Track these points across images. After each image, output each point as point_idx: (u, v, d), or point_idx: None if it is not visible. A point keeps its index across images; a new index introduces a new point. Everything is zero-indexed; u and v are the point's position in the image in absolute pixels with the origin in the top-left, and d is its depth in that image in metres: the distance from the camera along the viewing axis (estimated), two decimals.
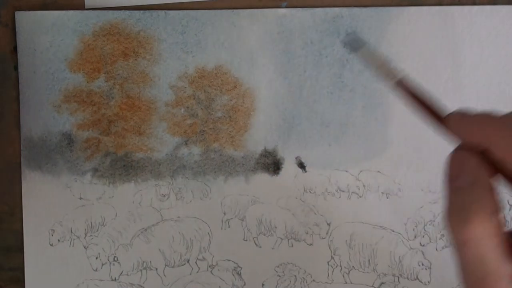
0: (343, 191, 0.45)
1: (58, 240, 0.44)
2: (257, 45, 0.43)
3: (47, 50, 0.43)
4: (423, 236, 0.44)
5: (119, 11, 0.43)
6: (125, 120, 0.44)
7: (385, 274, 0.44)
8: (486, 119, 0.22)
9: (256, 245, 0.45)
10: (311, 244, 0.45)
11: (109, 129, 0.44)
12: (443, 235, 0.45)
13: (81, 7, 0.43)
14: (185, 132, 0.44)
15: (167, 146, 0.44)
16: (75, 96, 0.43)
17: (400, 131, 0.44)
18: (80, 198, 0.44)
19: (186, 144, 0.44)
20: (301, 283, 0.45)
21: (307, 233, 0.44)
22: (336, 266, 0.44)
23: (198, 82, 0.44)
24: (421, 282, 0.44)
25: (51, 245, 0.44)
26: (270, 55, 0.43)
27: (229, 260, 0.45)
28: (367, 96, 0.44)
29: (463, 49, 0.44)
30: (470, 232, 0.20)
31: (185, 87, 0.44)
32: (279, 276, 0.45)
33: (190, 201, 0.44)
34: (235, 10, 0.43)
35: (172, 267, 0.45)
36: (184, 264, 0.45)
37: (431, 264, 0.44)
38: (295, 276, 0.45)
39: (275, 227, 0.45)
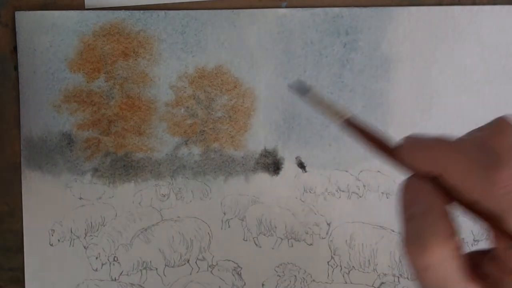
0: (343, 191, 0.45)
1: (58, 240, 0.44)
2: (257, 45, 0.43)
3: (47, 50, 0.43)
4: None
5: (119, 11, 0.43)
6: (125, 120, 0.44)
7: (385, 274, 0.44)
8: (436, 146, 0.22)
9: (256, 245, 0.45)
10: (311, 244, 0.45)
11: (109, 129, 0.44)
12: None
13: (81, 7, 0.43)
14: (185, 132, 0.44)
15: (167, 146, 0.44)
16: (75, 96, 0.43)
17: (400, 131, 0.44)
18: (80, 198, 0.44)
19: (186, 144, 0.44)
20: (301, 283, 0.45)
21: (307, 233, 0.44)
22: (336, 266, 0.44)
23: (198, 82, 0.44)
24: None
25: (51, 245, 0.44)
26: (270, 55, 0.43)
27: (229, 260, 0.45)
28: (367, 96, 0.44)
29: (463, 49, 0.44)
30: (429, 258, 0.21)
31: (185, 87, 0.44)
32: (279, 276, 0.45)
33: (190, 201, 0.44)
34: (235, 10, 0.43)
35: (172, 267, 0.45)
36: (184, 264, 0.45)
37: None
38: (295, 276, 0.45)
39: (275, 227, 0.45)
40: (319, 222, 0.44)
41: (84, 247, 0.44)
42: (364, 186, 0.44)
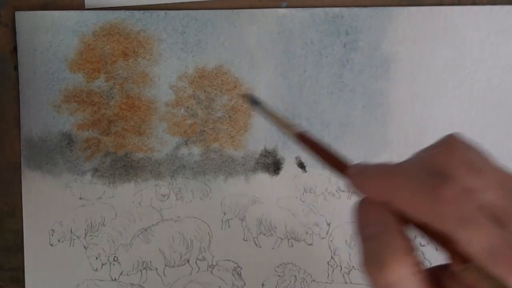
0: (343, 191, 0.45)
1: (58, 240, 0.44)
2: (257, 45, 0.43)
3: (47, 50, 0.43)
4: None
5: (119, 11, 0.43)
6: (125, 120, 0.44)
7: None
8: (381, 175, 0.23)
9: (256, 245, 0.45)
10: (311, 244, 0.45)
11: (109, 129, 0.44)
12: None
13: (81, 7, 0.43)
14: (185, 132, 0.44)
15: (167, 146, 0.44)
16: (75, 96, 0.43)
17: (400, 131, 0.44)
18: (80, 198, 0.44)
19: (186, 144, 0.44)
20: (301, 283, 0.45)
21: (307, 233, 0.45)
22: (336, 266, 0.44)
23: (198, 82, 0.44)
24: None
25: (51, 245, 0.44)
26: (270, 55, 0.43)
27: (229, 260, 0.45)
28: (367, 96, 0.44)
29: (463, 49, 0.44)
30: (389, 276, 0.21)
31: (185, 87, 0.44)
32: (279, 276, 0.45)
33: (190, 201, 0.44)
34: (235, 10, 0.43)
35: (172, 267, 0.45)
36: (184, 264, 0.45)
37: (431, 264, 0.44)
38: (295, 276, 0.45)
39: (275, 227, 0.45)
40: (319, 222, 0.44)
41: (84, 247, 0.44)
42: None
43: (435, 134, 0.46)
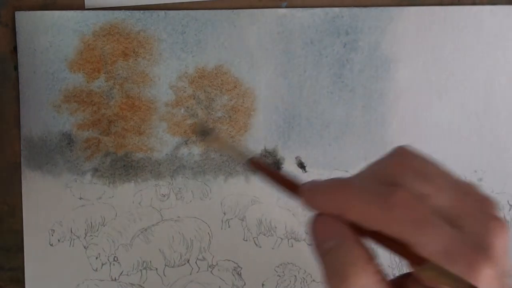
0: None
1: (58, 240, 0.44)
2: (257, 45, 0.43)
3: (47, 50, 0.43)
4: None
5: (119, 11, 0.43)
6: (125, 120, 0.44)
7: (385, 275, 0.44)
8: (333, 189, 0.23)
9: (256, 245, 0.45)
10: (311, 244, 0.45)
11: (109, 129, 0.44)
12: None
13: (81, 7, 0.43)
14: (185, 132, 0.44)
15: (167, 146, 0.44)
16: (75, 96, 0.43)
17: (400, 131, 0.44)
18: (80, 198, 0.44)
19: (186, 144, 0.44)
20: (301, 283, 0.45)
21: (307, 233, 0.45)
22: None
23: (198, 82, 0.44)
24: None
25: (51, 245, 0.44)
26: (270, 55, 0.43)
27: (229, 260, 0.45)
28: (367, 96, 0.44)
29: (463, 49, 0.44)
30: (352, 287, 0.21)
31: (185, 87, 0.44)
32: (279, 276, 0.45)
33: (190, 201, 0.44)
34: (235, 10, 0.43)
35: (172, 267, 0.45)
36: (184, 264, 0.45)
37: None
38: (295, 276, 0.45)
39: (275, 227, 0.45)
40: None
41: (84, 247, 0.44)
42: None
43: (435, 134, 0.46)
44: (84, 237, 0.44)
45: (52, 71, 0.43)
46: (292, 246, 0.45)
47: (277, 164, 0.44)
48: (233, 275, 0.45)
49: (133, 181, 0.44)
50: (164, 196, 0.44)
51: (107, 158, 0.44)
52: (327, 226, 0.23)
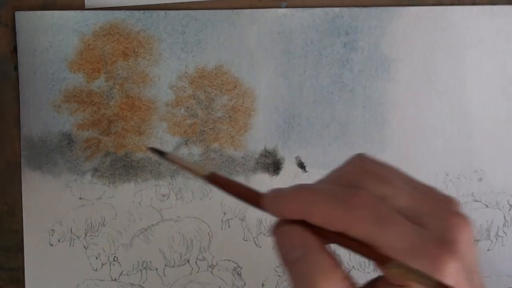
0: None
1: (58, 240, 0.44)
2: (257, 45, 0.43)
3: (47, 50, 0.43)
4: None
5: (119, 11, 0.43)
6: (125, 120, 0.44)
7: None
8: (297, 193, 0.23)
9: (256, 245, 0.45)
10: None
11: (109, 129, 0.44)
12: None
13: (81, 7, 0.43)
14: (185, 132, 0.44)
15: (167, 146, 0.44)
16: (75, 96, 0.43)
17: (400, 131, 0.44)
18: (80, 198, 0.44)
19: (186, 144, 0.44)
20: None
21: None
22: None
23: (198, 82, 0.44)
24: None
25: (51, 245, 0.44)
26: (270, 55, 0.43)
27: (229, 260, 0.45)
28: (367, 96, 0.44)
29: (463, 49, 0.44)
30: None
31: (185, 87, 0.44)
32: (279, 276, 0.45)
33: (190, 201, 0.44)
34: (235, 10, 0.43)
35: (172, 267, 0.45)
36: (184, 264, 0.45)
37: None
38: None
39: None
40: None
41: (84, 247, 0.44)
42: None
43: (435, 134, 0.46)
44: (84, 237, 0.44)
45: (52, 71, 0.43)
46: None
47: (277, 164, 0.44)
48: (233, 275, 0.45)
49: (133, 181, 0.44)
50: (164, 196, 0.44)
51: (107, 158, 0.44)
52: (291, 236, 0.23)
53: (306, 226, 0.23)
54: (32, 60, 0.43)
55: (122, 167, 0.44)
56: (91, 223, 0.44)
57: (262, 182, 0.44)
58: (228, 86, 0.44)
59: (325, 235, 0.23)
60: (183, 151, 0.44)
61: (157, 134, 0.44)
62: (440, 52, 0.44)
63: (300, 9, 0.43)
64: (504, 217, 0.46)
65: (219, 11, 0.43)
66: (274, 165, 0.44)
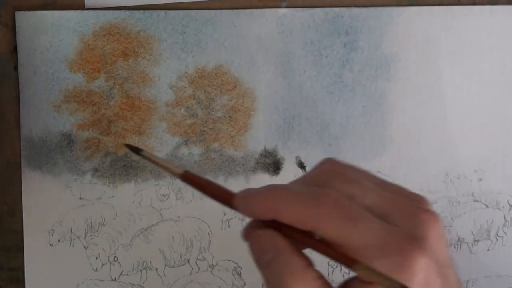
0: None
1: (58, 240, 0.44)
2: (257, 45, 0.43)
3: (47, 50, 0.43)
4: None
5: (119, 11, 0.43)
6: (125, 120, 0.44)
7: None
8: (267, 192, 0.24)
9: None
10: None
11: (109, 129, 0.44)
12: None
13: (81, 7, 0.43)
14: (185, 132, 0.44)
15: (167, 146, 0.44)
16: (75, 96, 0.43)
17: (400, 131, 0.44)
18: (80, 198, 0.44)
19: (186, 144, 0.44)
20: None
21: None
22: (336, 266, 0.44)
23: (198, 82, 0.44)
24: None
25: (51, 245, 0.44)
26: (270, 55, 0.43)
27: (229, 260, 0.45)
28: (367, 96, 0.44)
29: (463, 49, 0.44)
30: None
31: (185, 87, 0.44)
32: None
33: (190, 201, 0.44)
34: (235, 10, 0.43)
35: (172, 267, 0.45)
36: (184, 264, 0.45)
37: None
38: None
39: None
40: None
41: (84, 247, 0.44)
42: None
43: (435, 134, 0.46)
44: (84, 237, 0.44)
45: (52, 71, 0.43)
46: None
47: (277, 164, 0.44)
48: (233, 275, 0.45)
49: (133, 181, 0.44)
50: (164, 196, 0.44)
51: (107, 158, 0.44)
52: (263, 240, 0.24)
53: (278, 230, 0.23)
54: (32, 60, 0.43)
55: (122, 167, 0.44)
56: (91, 223, 0.44)
57: (262, 182, 0.44)
58: (228, 86, 0.44)
59: (298, 239, 0.23)
60: (183, 151, 0.44)
61: (157, 134, 0.44)
62: (440, 52, 0.44)
63: (300, 9, 0.43)
64: (504, 217, 0.46)
65: (219, 11, 0.43)
66: (274, 165, 0.44)
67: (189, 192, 0.44)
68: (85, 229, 0.44)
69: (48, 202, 0.44)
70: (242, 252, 0.45)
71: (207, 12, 0.43)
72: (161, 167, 0.28)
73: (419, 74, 0.44)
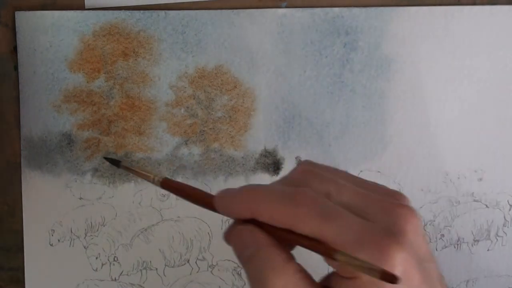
0: None
1: (58, 240, 0.44)
2: (257, 45, 0.43)
3: (47, 50, 0.43)
4: None
5: (119, 11, 0.43)
6: (125, 120, 0.44)
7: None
8: (245, 192, 0.24)
9: None
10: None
11: (109, 129, 0.44)
12: (442, 235, 0.45)
13: (81, 7, 0.43)
14: (185, 132, 0.44)
15: (167, 146, 0.44)
16: (75, 96, 0.43)
17: (400, 131, 0.44)
18: (80, 198, 0.44)
19: (186, 144, 0.44)
20: None
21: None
22: None
23: (198, 82, 0.44)
24: None
25: (51, 245, 0.44)
26: (270, 55, 0.43)
27: (229, 260, 0.45)
28: (367, 96, 0.44)
29: (463, 49, 0.44)
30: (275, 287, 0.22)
31: (185, 87, 0.44)
32: None
33: None
34: (235, 10, 0.43)
35: (172, 267, 0.45)
36: (184, 264, 0.45)
37: None
38: None
39: None
40: None
41: (84, 247, 0.44)
42: None
43: (435, 134, 0.46)
44: (84, 237, 0.44)
45: (52, 71, 0.43)
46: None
47: (277, 164, 0.44)
48: (233, 275, 0.45)
49: (133, 181, 0.44)
50: (164, 196, 0.44)
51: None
52: (243, 235, 0.24)
53: (259, 227, 0.24)
54: (32, 60, 0.43)
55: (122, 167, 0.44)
56: (91, 223, 0.44)
57: (262, 182, 0.44)
58: (228, 86, 0.44)
59: (278, 235, 0.23)
60: (183, 151, 0.44)
61: (157, 134, 0.44)
62: (440, 52, 0.44)
63: (300, 9, 0.43)
64: (504, 217, 0.46)
65: (219, 11, 0.43)
66: (274, 165, 0.44)
67: None
68: (85, 229, 0.44)
69: (48, 202, 0.44)
70: None
71: (207, 12, 0.43)
72: (140, 176, 0.28)
73: (419, 74, 0.44)
